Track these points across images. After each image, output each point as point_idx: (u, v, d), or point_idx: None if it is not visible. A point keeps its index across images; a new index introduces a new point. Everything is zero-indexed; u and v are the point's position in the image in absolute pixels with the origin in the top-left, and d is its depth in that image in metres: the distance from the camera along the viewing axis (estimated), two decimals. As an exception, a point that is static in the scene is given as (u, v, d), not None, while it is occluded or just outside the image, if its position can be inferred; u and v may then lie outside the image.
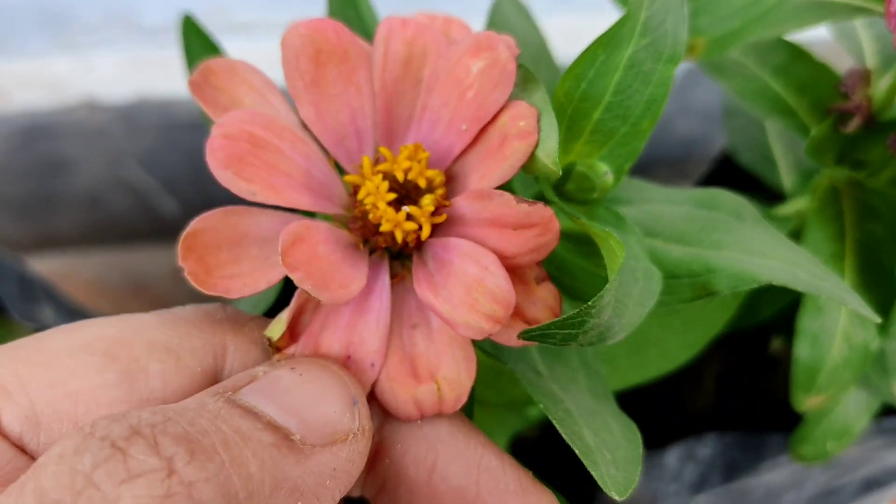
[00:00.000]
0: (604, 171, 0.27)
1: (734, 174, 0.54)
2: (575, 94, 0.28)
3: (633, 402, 0.38)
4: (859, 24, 0.45)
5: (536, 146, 0.25)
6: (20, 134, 0.69)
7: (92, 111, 0.69)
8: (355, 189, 0.27)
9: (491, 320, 0.24)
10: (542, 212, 0.25)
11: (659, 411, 0.55)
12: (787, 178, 0.52)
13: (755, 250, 0.31)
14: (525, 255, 0.25)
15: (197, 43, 0.37)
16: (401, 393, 0.25)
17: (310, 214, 0.27)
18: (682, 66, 0.70)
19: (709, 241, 0.31)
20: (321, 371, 0.24)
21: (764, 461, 0.49)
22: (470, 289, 0.25)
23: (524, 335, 0.24)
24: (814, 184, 0.44)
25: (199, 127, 0.72)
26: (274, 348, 0.26)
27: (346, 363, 0.25)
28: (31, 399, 0.23)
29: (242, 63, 0.27)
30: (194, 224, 0.25)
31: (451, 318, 0.24)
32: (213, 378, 0.25)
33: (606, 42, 0.28)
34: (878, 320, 0.30)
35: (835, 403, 0.47)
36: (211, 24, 0.67)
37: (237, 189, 0.24)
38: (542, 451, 0.54)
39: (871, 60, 0.43)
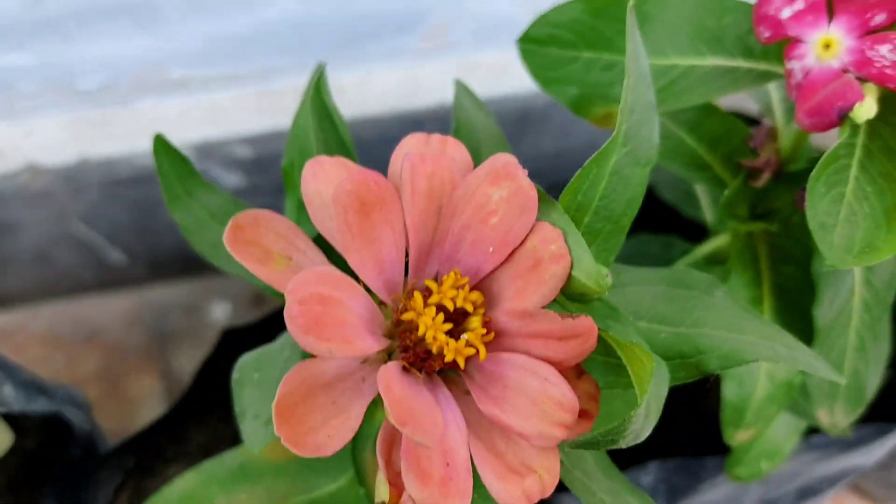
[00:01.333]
0: (605, 274, 0.29)
1: (657, 209, 0.57)
2: (572, 206, 0.31)
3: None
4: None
5: (571, 266, 0.28)
6: (-37, 202, 0.69)
7: (34, 175, 0.69)
8: (399, 320, 0.29)
9: (562, 427, 0.27)
10: (585, 323, 0.27)
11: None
12: (708, 213, 0.55)
13: (733, 326, 0.33)
14: (569, 360, 0.28)
15: (168, 160, 0.39)
16: (512, 489, 0.27)
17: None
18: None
19: (690, 320, 0.34)
20: None
21: (703, 483, 0.52)
22: (536, 401, 0.27)
23: (574, 446, 0.27)
24: (731, 228, 0.46)
25: (139, 181, 0.73)
26: None
27: (449, 474, 0.27)
28: None
29: (266, 213, 0.29)
30: (280, 390, 0.26)
31: (525, 431, 0.27)
32: None
33: (599, 157, 0.30)
34: (843, 381, 0.33)
35: (765, 429, 0.50)
36: (146, 81, 0.68)
37: (317, 351, 0.26)
38: None
39: (778, 109, 0.46)
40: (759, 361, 0.43)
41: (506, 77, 0.76)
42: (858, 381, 0.45)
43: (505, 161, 0.29)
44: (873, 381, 0.46)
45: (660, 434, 0.58)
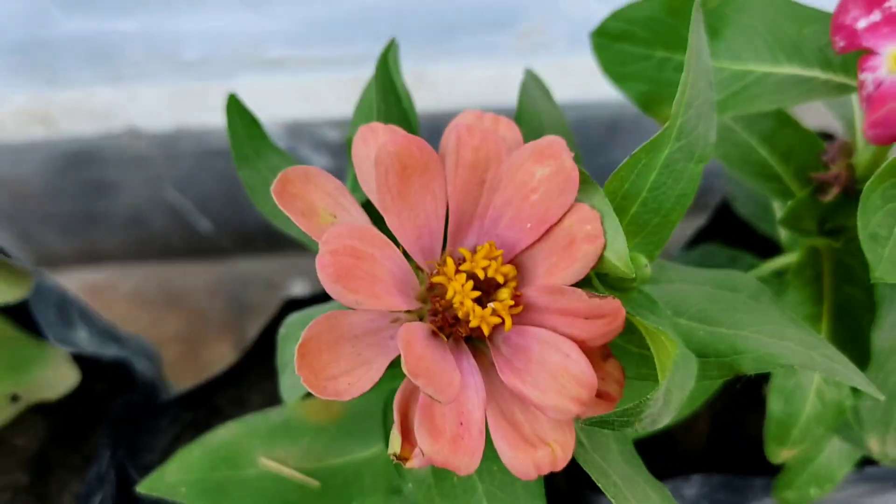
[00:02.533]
0: (644, 264, 0.29)
1: (732, 224, 0.56)
2: (619, 193, 0.31)
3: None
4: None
5: (604, 248, 0.28)
6: (66, 158, 0.73)
7: (133, 138, 0.72)
8: (432, 284, 0.29)
9: (578, 403, 0.27)
10: (612, 304, 0.27)
11: (649, 450, 0.57)
12: (782, 230, 0.53)
13: (773, 332, 0.33)
14: (595, 339, 0.28)
15: (240, 120, 0.40)
16: (523, 458, 0.28)
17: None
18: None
19: (731, 322, 0.33)
20: None
21: (749, 503, 0.51)
22: (555, 375, 0.27)
23: (588, 423, 0.27)
24: (800, 244, 0.45)
25: (231, 154, 0.75)
26: (402, 459, 0.28)
27: (461, 433, 0.27)
28: None
29: (315, 170, 0.30)
30: (305, 333, 0.27)
31: (542, 403, 0.27)
32: None
33: (649, 147, 0.30)
34: (882, 398, 0.33)
35: (817, 452, 0.49)
36: (245, 58, 0.71)
37: (345, 300, 0.26)
38: None
39: (859, 126, 0.45)
40: (807, 373, 0.43)
41: (597, 83, 0.76)
42: (916, 412, 0.44)
43: (551, 140, 0.30)
44: (932, 415, 0.44)
45: (713, 452, 0.57)
